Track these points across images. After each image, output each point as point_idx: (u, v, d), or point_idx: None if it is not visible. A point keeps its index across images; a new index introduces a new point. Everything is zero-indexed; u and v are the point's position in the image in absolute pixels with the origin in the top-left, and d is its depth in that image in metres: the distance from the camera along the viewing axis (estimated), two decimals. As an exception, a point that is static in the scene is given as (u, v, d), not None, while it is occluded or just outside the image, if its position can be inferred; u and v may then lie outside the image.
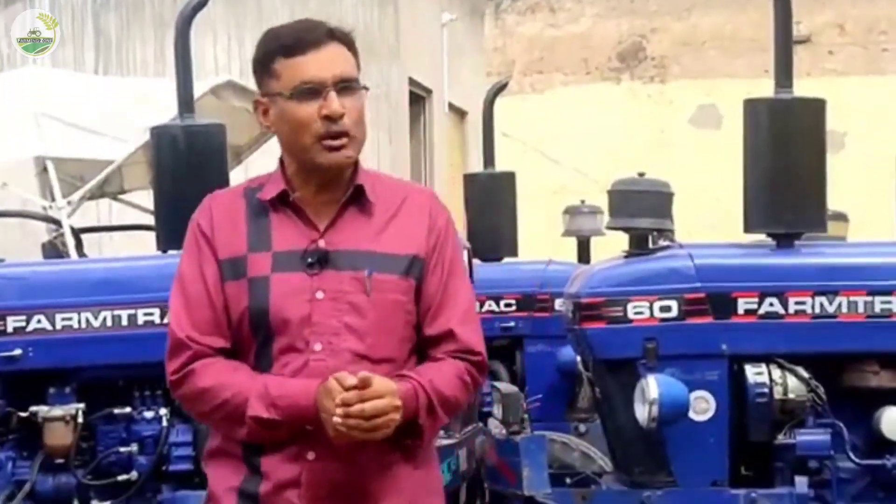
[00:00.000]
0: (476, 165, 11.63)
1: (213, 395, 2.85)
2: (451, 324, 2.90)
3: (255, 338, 2.87)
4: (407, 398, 2.77)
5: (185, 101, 5.39)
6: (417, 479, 2.94)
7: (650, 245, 5.29)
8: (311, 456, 2.84)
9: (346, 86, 2.85)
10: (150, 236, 5.73)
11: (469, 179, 7.87)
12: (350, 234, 2.88)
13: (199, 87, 6.29)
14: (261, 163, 9.19)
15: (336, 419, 2.68)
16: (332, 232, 2.88)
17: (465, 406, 3.14)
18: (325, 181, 2.89)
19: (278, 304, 2.84)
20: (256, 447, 2.87)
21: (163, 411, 5.05)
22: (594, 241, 7.99)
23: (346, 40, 2.90)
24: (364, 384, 2.68)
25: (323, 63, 2.84)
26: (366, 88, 2.92)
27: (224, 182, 5.41)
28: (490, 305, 6.91)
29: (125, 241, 8.43)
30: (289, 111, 2.85)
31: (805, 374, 4.85)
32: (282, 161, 2.95)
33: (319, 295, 2.83)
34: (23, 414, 5.06)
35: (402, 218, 2.92)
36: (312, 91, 2.83)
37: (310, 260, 2.84)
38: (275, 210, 2.90)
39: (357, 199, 2.90)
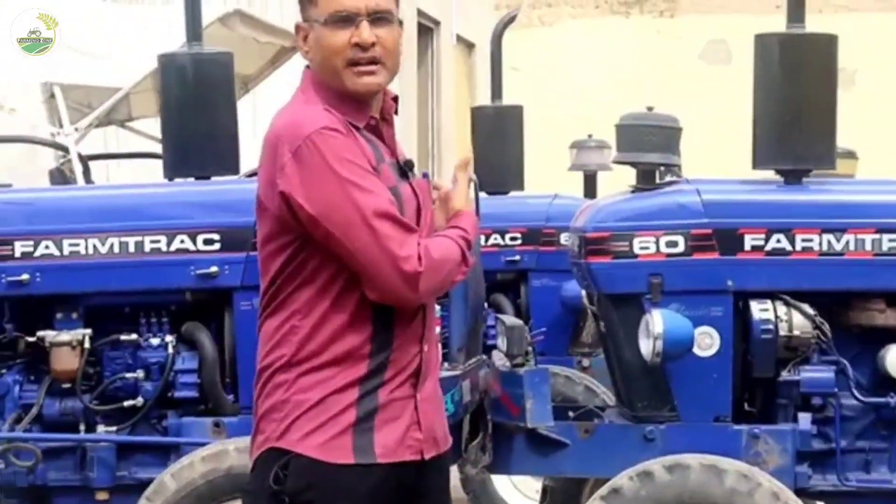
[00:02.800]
0: (484, 98, 11.59)
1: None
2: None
3: None
4: None
5: (193, 29, 5.39)
6: None
7: (657, 180, 5.29)
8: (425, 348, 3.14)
9: (380, 17, 3.02)
10: (158, 164, 5.74)
11: (476, 112, 7.87)
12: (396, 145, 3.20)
13: (208, 16, 6.26)
14: (268, 92, 9.21)
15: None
16: (394, 145, 3.18)
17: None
18: (359, 105, 3.07)
19: (405, 213, 3.06)
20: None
21: (169, 338, 5.09)
22: (601, 175, 7.99)
23: None
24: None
25: None
26: (400, 23, 3.08)
27: (232, 111, 5.46)
28: (496, 239, 6.94)
29: (132, 169, 8.43)
30: (323, 37, 3.02)
31: (810, 311, 4.85)
32: (314, 89, 3.11)
33: (421, 201, 3.15)
34: (30, 339, 5.10)
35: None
36: (346, 19, 3.00)
37: (400, 173, 3.13)
38: (359, 131, 3.08)
39: (388, 119, 3.16)
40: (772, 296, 4.87)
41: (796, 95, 4.89)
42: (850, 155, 8.05)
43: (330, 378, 3.03)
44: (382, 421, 3.04)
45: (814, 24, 5.00)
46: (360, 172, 2.97)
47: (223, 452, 4.68)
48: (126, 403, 5.06)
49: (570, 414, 5.26)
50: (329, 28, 3.01)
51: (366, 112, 3.09)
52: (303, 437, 3.01)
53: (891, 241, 4.86)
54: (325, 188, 2.96)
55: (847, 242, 4.85)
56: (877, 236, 4.86)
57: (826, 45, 4.94)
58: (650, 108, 5.59)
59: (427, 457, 3.10)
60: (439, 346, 3.56)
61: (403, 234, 2.99)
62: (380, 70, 3.04)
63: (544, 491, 5.83)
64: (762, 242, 4.86)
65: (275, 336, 3.07)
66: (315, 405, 3.02)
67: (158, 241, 5.05)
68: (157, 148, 6.19)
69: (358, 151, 3.01)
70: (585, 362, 6.70)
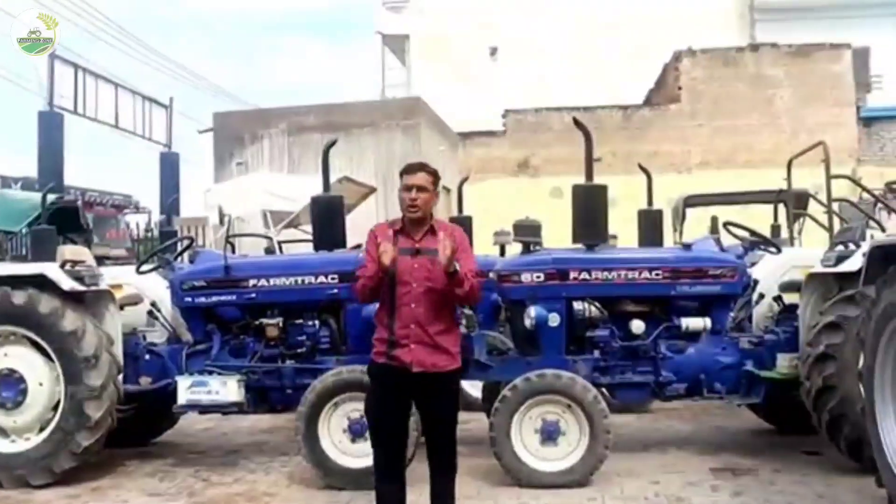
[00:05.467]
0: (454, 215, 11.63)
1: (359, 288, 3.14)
2: (465, 270, 3.07)
3: (389, 284, 3.10)
4: (462, 271, 3.02)
5: (325, 185, 5.37)
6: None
7: (531, 249, 5.24)
8: (413, 306, 3.05)
9: (420, 189, 3.11)
10: (310, 245, 5.78)
11: (453, 219, 7.89)
12: (427, 243, 3.13)
13: (332, 178, 6.41)
14: (358, 214, 9.31)
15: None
16: (420, 242, 3.13)
17: (475, 298, 3.16)
18: (413, 223, 3.15)
19: (400, 269, 3.08)
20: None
21: (316, 322, 4.93)
22: (507, 247, 8.04)
23: (430, 170, 3.16)
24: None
25: (412, 179, 3.12)
26: (430, 192, 3.13)
27: (343, 222, 5.30)
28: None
29: (300, 247, 8.53)
30: (400, 195, 3.15)
31: (599, 306, 4.83)
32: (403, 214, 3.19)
33: (416, 265, 3.09)
34: (256, 323, 4.93)
35: (446, 237, 3.08)
36: (407, 189, 3.11)
37: (411, 253, 3.09)
38: (398, 233, 3.15)
39: (431, 230, 3.15)
40: (583, 299, 4.84)
41: (590, 211, 4.81)
42: (614, 237, 8.01)
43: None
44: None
45: (598, 179, 4.80)
46: (368, 249, 3.13)
47: (339, 372, 4.55)
48: (298, 350, 4.92)
49: (494, 352, 5.11)
50: (403, 192, 3.12)
51: (406, 225, 3.13)
52: None
53: (631, 273, 4.80)
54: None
55: (615, 274, 4.81)
56: (627, 271, 4.81)
57: (603, 190, 4.79)
58: (527, 217, 5.68)
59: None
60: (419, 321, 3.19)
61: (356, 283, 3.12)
62: (416, 210, 3.11)
63: (483, 388, 5.77)
64: (578, 275, 4.81)
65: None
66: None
67: (311, 278, 4.93)
68: (310, 237, 6.28)
69: (371, 243, 3.11)
70: (502, 329, 6.64)
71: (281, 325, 4.96)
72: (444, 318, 3.11)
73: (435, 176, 3.18)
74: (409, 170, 3.15)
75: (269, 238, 7.58)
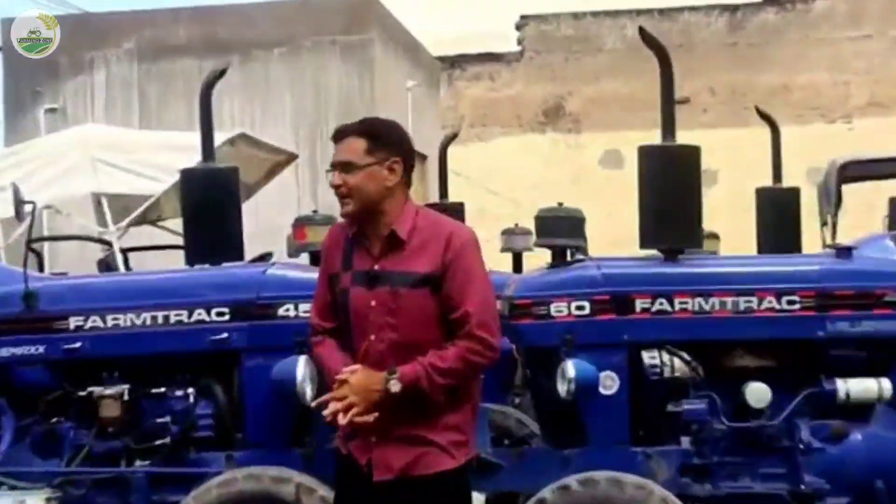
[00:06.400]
0: (434, 197, 11.59)
1: (319, 362, 3.55)
2: (461, 313, 3.23)
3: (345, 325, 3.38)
4: (409, 372, 3.19)
5: (207, 149, 5.36)
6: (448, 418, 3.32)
7: (568, 258, 5.29)
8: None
9: (346, 167, 3.31)
10: (180, 254, 5.69)
11: (429, 207, 7.83)
12: (392, 260, 3.30)
13: (219, 138, 6.25)
14: (267, 195, 9.18)
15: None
16: (382, 261, 3.31)
17: (472, 372, 3.34)
18: (367, 223, 3.35)
19: (353, 308, 3.32)
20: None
21: (190, 390, 5.00)
22: (526, 255, 7.97)
23: (362, 131, 3.34)
24: (341, 383, 3.22)
25: (336, 152, 3.35)
26: (365, 166, 3.29)
27: (238, 212, 5.39)
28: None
29: (161, 259, 8.39)
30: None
31: (687, 357, 4.85)
32: None
33: (373, 303, 3.28)
34: (81, 393, 5.01)
35: (428, 246, 3.28)
36: (331, 168, 3.36)
37: (366, 280, 3.31)
38: (351, 244, 3.39)
39: (392, 238, 3.32)
40: (658, 346, 4.84)
41: (671, 191, 4.88)
42: (714, 236, 8.05)
43: None
44: None
45: (683, 137, 5.02)
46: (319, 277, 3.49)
47: (233, 479, 4.63)
48: (157, 442, 4.96)
49: (506, 442, 5.21)
50: (329, 174, 3.36)
51: (378, 226, 3.34)
52: None
53: (746, 302, 4.85)
54: None
55: (713, 304, 4.84)
56: (736, 298, 4.85)
57: (692, 154, 4.94)
58: (560, 204, 5.61)
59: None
60: None
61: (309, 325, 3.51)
62: (347, 202, 3.31)
63: (487, 502, 5.75)
64: (649, 305, 4.83)
65: None
66: None
67: (181, 315, 4.98)
68: (180, 241, 6.14)
69: (322, 264, 3.47)
70: (517, 401, 6.61)
71: (126, 397, 4.99)
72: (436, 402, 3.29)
73: (376, 139, 3.31)
74: (334, 136, 3.36)
75: (107, 243, 7.45)
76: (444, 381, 3.21)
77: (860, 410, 4.90)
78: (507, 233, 8.49)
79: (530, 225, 6.31)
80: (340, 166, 3.31)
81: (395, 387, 3.16)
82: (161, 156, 7.98)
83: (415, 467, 3.25)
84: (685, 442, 4.83)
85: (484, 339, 3.27)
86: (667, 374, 4.82)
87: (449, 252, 3.26)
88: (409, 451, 3.26)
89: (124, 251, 7.44)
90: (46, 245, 7.59)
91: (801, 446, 4.84)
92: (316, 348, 3.50)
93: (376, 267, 3.31)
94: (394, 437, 3.25)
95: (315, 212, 6.57)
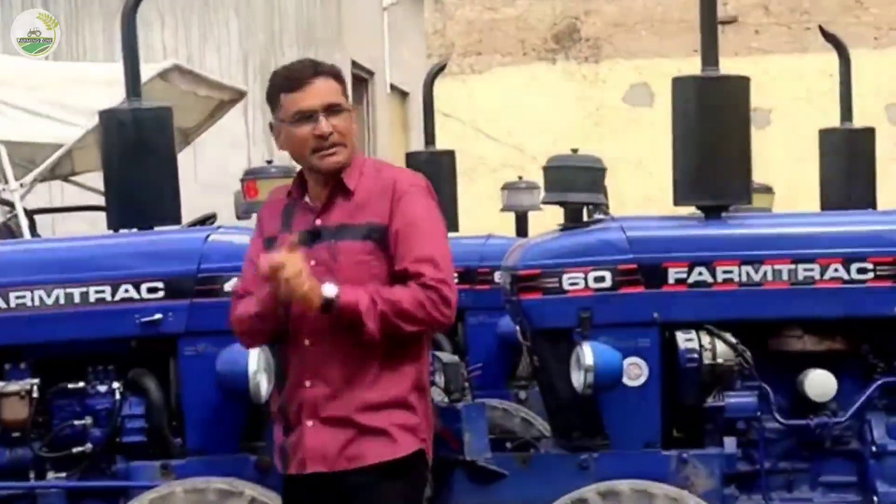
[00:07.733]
0: (418, 144, 11.63)
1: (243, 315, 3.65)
2: (406, 263, 3.48)
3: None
4: (349, 289, 3.41)
5: (133, 84, 5.36)
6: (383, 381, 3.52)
7: (584, 218, 5.32)
8: (307, 342, 3.53)
9: (333, 109, 3.52)
10: (101, 216, 5.70)
11: (410, 158, 7.87)
12: (335, 214, 3.57)
13: (147, 72, 6.24)
14: (209, 144, 9.18)
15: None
16: (324, 215, 3.57)
17: (420, 324, 3.49)
18: (326, 178, 3.58)
19: None
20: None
21: (115, 385, 5.02)
22: (532, 215, 8.01)
23: (332, 72, 3.59)
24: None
25: (313, 95, 3.53)
26: (349, 110, 3.58)
27: (172, 164, 5.41)
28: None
29: (77, 222, 8.38)
30: (291, 134, 3.56)
31: (733, 340, 4.87)
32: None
33: (311, 262, 3.45)
34: None
35: (372, 196, 3.54)
36: (306, 117, 3.52)
37: (308, 239, 3.53)
38: (290, 206, 3.66)
39: (342, 188, 3.57)
40: (696, 326, 4.88)
41: (713, 134, 4.92)
42: (767, 190, 8.10)
43: None
44: None
45: (730, 66, 5.04)
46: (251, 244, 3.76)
47: (171, 495, 4.65)
48: (75, 450, 4.98)
49: (508, 445, 5.26)
50: (295, 126, 3.53)
51: (305, 187, 3.64)
52: None
53: (806, 270, 4.89)
54: None
55: (765, 273, 4.88)
56: (793, 266, 4.89)
57: (739, 87, 4.97)
58: (575, 150, 5.63)
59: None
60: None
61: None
62: (339, 151, 3.54)
63: None
64: (685, 275, 4.87)
65: None
66: None
67: (103, 292, 4.99)
68: (101, 201, 6.15)
69: (260, 223, 3.74)
70: (522, 395, 6.69)
71: (35, 394, 5.01)
72: (374, 363, 3.52)
73: (342, 82, 3.62)
74: (298, 79, 3.56)
75: (8, 204, 7.45)
76: (387, 309, 3.42)
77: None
78: (508, 187, 8.54)
79: (538, 178, 6.34)
80: (330, 110, 3.54)
81: (329, 290, 3.38)
82: (74, 93, 7.93)
83: (356, 458, 3.48)
84: (730, 444, 4.87)
85: (441, 291, 3.49)
86: (707, 360, 4.85)
87: (394, 198, 3.53)
88: (347, 438, 3.49)
89: (29, 213, 7.41)
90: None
91: (874, 448, 4.89)
92: (237, 310, 3.67)
93: (318, 222, 3.57)
94: (329, 419, 3.49)
95: (269, 162, 6.60)
